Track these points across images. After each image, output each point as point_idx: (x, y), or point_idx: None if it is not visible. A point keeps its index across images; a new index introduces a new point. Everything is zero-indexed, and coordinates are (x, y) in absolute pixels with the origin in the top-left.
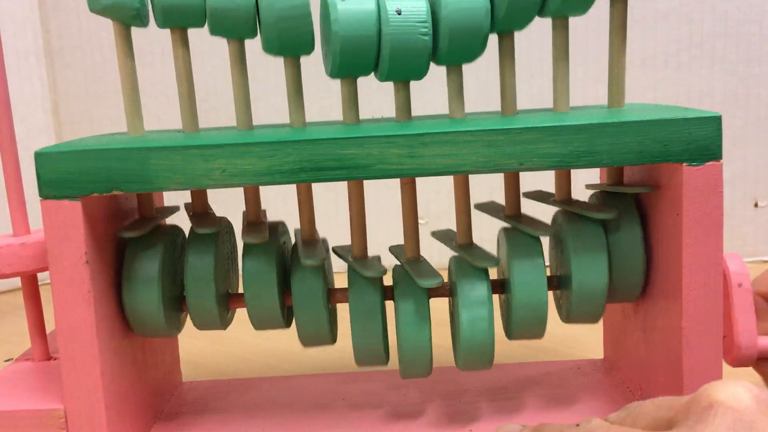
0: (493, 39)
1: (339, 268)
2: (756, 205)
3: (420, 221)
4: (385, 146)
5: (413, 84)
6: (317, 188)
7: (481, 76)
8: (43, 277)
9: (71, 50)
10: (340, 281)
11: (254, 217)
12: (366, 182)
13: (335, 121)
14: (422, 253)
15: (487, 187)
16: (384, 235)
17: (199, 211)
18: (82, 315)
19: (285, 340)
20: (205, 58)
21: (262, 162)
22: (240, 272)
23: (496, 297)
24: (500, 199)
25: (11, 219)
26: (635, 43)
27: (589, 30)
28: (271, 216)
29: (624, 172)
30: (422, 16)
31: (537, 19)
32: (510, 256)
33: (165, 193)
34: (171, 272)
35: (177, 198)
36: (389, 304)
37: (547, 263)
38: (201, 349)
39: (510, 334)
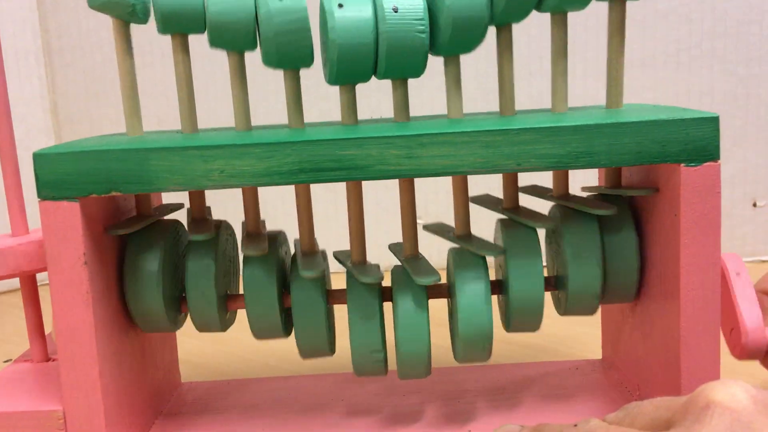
0: (491, 38)
1: (337, 268)
2: (755, 204)
3: (419, 221)
4: (383, 147)
5: (412, 83)
6: (316, 188)
7: (480, 76)
8: (42, 277)
9: (70, 50)
10: (339, 282)
11: (254, 228)
12: (365, 182)
13: (334, 122)
14: (421, 252)
15: (486, 187)
16: (383, 235)
17: (197, 216)
18: (81, 316)
19: (285, 341)
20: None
21: (261, 163)
22: (241, 276)
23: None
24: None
25: (10, 219)
26: (635, 43)
27: (588, 27)
28: (271, 216)
29: (621, 173)
30: (419, 14)
31: (536, 17)
32: (507, 246)
33: (165, 195)
34: (172, 267)
35: (177, 199)
36: (388, 305)
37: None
38: (201, 350)
39: (508, 326)
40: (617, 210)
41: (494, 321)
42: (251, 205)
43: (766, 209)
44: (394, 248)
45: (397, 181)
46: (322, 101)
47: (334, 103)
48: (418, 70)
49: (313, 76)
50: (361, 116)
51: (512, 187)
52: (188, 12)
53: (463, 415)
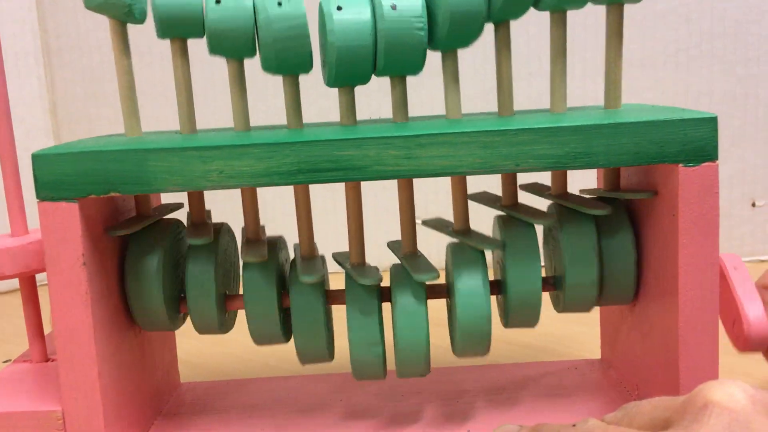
0: (490, 38)
1: (335, 268)
2: (754, 204)
3: (417, 221)
4: (382, 147)
5: (411, 83)
6: (315, 188)
7: (479, 76)
8: (41, 278)
9: (69, 50)
10: (337, 282)
11: (253, 234)
12: (364, 183)
13: (332, 123)
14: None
15: (485, 187)
16: (383, 235)
17: (197, 220)
18: (80, 316)
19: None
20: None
21: (260, 163)
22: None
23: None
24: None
25: (9, 220)
26: (634, 43)
27: (587, 27)
28: (270, 217)
29: (620, 174)
30: (417, 11)
31: (535, 16)
32: (505, 242)
33: (164, 195)
34: (173, 266)
35: (177, 200)
36: (386, 306)
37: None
38: (200, 350)
39: (507, 321)
40: (614, 211)
41: (493, 318)
42: (251, 210)
43: (765, 209)
44: (392, 246)
45: (395, 181)
46: (321, 99)
47: (333, 101)
48: (417, 67)
49: (312, 75)
50: (360, 117)
51: (511, 185)
52: (187, 16)
53: (462, 415)
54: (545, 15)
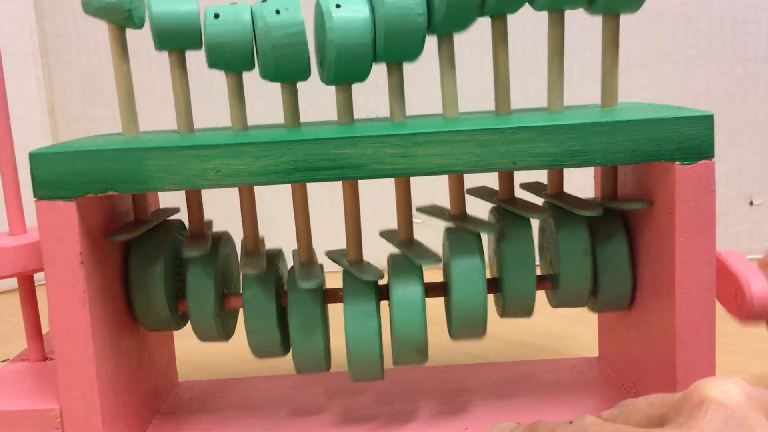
0: (487, 38)
1: (330, 267)
2: (751, 203)
3: (416, 220)
4: (379, 146)
5: (409, 84)
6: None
7: (476, 76)
8: (39, 278)
9: (67, 51)
10: (335, 281)
11: (253, 246)
12: (361, 182)
13: (330, 121)
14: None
15: (481, 182)
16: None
17: (195, 230)
18: (78, 315)
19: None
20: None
21: (257, 162)
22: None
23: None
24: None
25: (8, 219)
26: (631, 42)
27: (585, 27)
28: (269, 216)
29: (617, 179)
30: None
31: (533, 15)
32: (500, 233)
33: (163, 198)
34: (176, 268)
35: (175, 202)
36: (384, 305)
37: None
38: (198, 349)
39: (503, 311)
40: (609, 216)
41: (491, 318)
42: (250, 222)
43: (763, 207)
44: (385, 235)
45: (393, 180)
46: (319, 99)
47: (331, 99)
48: (416, 52)
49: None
50: (358, 116)
51: (508, 180)
52: (185, 29)
53: (460, 413)
54: (543, 14)
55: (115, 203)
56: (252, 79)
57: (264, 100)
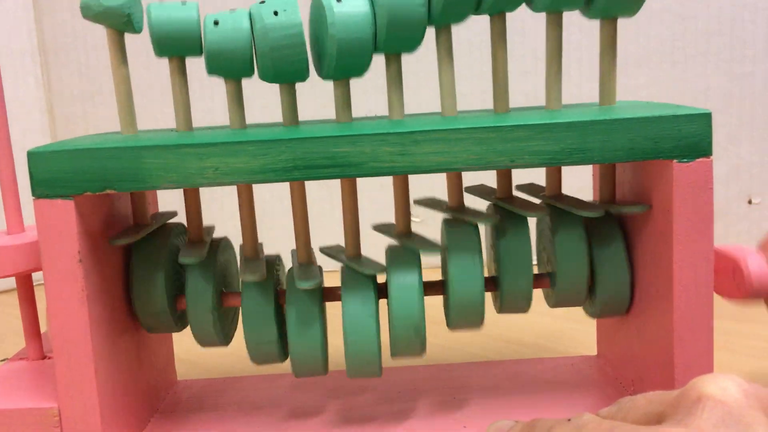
0: (485, 37)
1: (329, 266)
2: (750, 202)
3: (414, 219)
4: (377, 144)
5: (409, 83)
6: (311, 186)
7: (475, 76)
8: (38, 277)
9: (66, 50)
10: (333, 281)
11: (252, 253)
12: (360, 183)
13: (328, 120)
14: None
15: (480, 180)
16: (378, 235)
17: (194, 237)
18: (76, 314)
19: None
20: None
21: (255, 160)
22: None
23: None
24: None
25: (6, 218)
26: (629, 41)
27: (583, 27)
28: (268, 215)
29: (615, 185)
30: None
31: (532, 14)
32: (497, 232)
33: (160, 202)
34: (176, 270)
35: (173, 205)
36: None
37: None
38: (196, 348)
39: (500, 307)
40: (606, 218)
41: (489, 317)
42: (249, 228)
43: (761, 206)
44: (380, 228)
45: (391, 180)
46: (318, 97)
47: (331, 98)
48: (416, 43)
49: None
50: (357, 117)
51: (506, 180)
52: (184, 36)
53: (458, 412)
54: (542, 14)
55: (114, 203)
56: (251, 79)
57: (263, 98)
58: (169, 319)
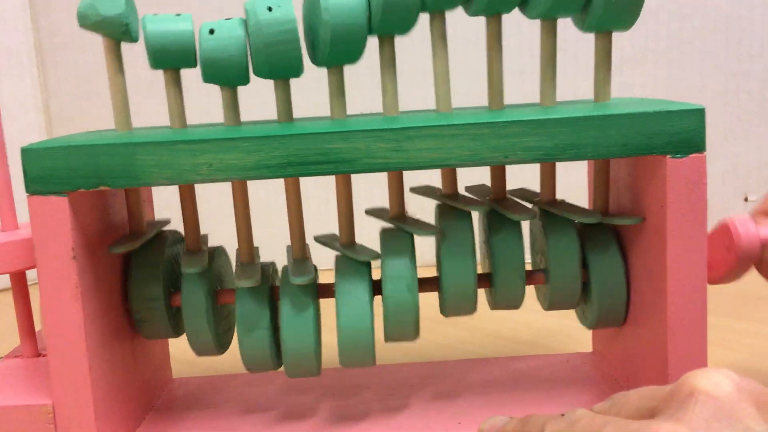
0: (484, 36)
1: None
2: (746, 199)
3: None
4: (371, 140)
5: (408, 83)
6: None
7: (472, 75)
8: (33, 276)
9: (62, 49)
10: (326, 278)
11: (247, 258)
12: (355, 183)
13: (323, 117)
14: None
15: (477, 182)
16: (375, 230)
17: (192, 246)
18: (70, 310)
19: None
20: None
21: (249, 157)
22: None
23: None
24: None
25: (0, 216)
26: (625, 40)
27: None
28: (264, 214)
29: (609, 186)
30: None
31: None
32: (490, 234)
33: (156, 210)
34: (173, 276)
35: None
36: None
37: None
38: None
39: (494, 304)
40: (604, 243)
41: (485, 315)
42: (245, 236)
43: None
44: (374, 212)
45: (387, 180)
46: (315, 95)
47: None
48: (410, 24)
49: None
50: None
51: (500, 180)
52: (180, 48)
53: (453, 408)
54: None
55: (109, 208)
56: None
57: (259, 97)
58: (169, 329)
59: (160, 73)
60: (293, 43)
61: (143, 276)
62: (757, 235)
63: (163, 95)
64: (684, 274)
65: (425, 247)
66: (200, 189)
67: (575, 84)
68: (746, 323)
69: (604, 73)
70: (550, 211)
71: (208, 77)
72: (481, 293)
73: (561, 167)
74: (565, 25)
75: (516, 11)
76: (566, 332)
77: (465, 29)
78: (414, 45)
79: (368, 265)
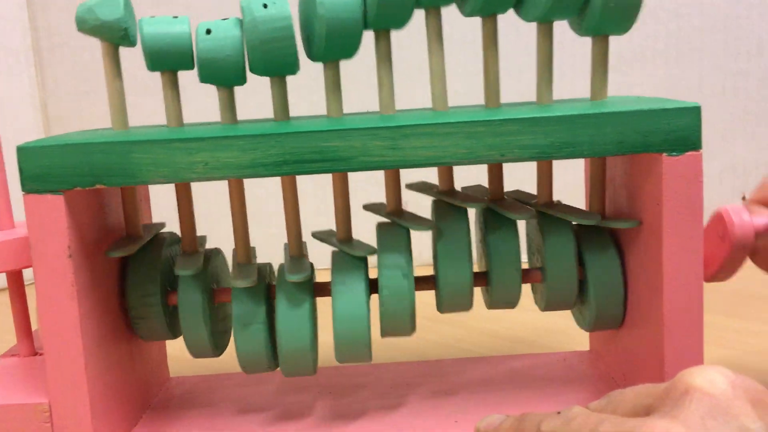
0: (479, 34)
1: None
2: (744, 198)
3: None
4: (367, 138)
5: (406, 82)
6: (306, 186)
7: (470, 74)
8: (29, 276)
9: (60, 48)
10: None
11: (244, 258)
12: (352, 180)
13: (319, 115)
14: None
15: (473, 181)
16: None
17: (188, 248)
18: (66, 309)
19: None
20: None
21: (245, 155)
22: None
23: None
24: None
25: None
26: (623, 39)
27: None
28: (263, 212)
29: (605, 184)
30: None
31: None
32: (488, 234)
33: (154, 210)
34: (170, 278)
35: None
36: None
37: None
38: None
39: (490, 303)
40: (601, 246)
41: (482, 314)
42: (241, 236)
43: None
44: (371, 208)
45: (384, 180)
46: (312, 94)
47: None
48: (405, 18)
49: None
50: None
51: (497, 181)
52: (177, 50)
53: (450, 407)
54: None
55: (106, 208)
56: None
57: (255, 96)
58: (165, 329)
59: (157, 73)
60: (288, 40)
61: (140, 276)
62: (751, 223)
63: (160, 95)
64: (680, 273)
65: (422, 246)
66: (197, 189)
67: (572, 83)
68: (742, 321)
69: (601, 73)
70: (549, 213)
71: (205, 77)
72: (478, 292)
73: (558, 166)
74: (563, 26)
75: (513, 12)
76: (563, 331)
77: (462, 29)
78: (412, 44)
79: (365, 260)
